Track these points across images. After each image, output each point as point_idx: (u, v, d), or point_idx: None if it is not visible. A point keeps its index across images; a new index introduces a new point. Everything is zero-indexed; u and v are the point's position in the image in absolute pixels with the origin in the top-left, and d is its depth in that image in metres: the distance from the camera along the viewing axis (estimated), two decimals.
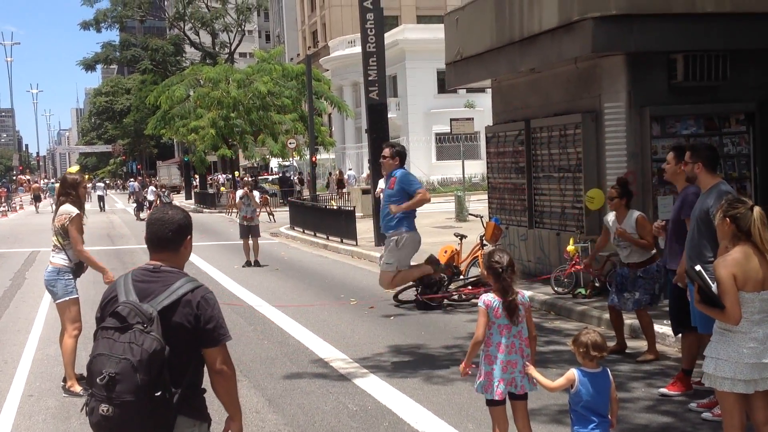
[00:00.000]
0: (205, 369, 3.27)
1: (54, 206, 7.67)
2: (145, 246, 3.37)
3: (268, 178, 45.30)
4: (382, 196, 18.19)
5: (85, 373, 5.14)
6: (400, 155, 7.95)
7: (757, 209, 4.35)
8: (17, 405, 6.80)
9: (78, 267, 7.21)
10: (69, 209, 7.11)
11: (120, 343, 2.96)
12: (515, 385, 4.62)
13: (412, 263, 8.38)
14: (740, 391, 4.32)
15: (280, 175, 44.41)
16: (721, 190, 5.80)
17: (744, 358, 4.28)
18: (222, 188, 46.07)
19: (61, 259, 7.14)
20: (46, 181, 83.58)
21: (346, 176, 41.80)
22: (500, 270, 4.63)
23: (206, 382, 3.28)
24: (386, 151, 7.96)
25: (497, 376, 4.60)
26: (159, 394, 2.96)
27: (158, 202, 31.36)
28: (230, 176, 43.23)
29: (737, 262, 4.29)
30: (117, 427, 2.96)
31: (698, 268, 4.45)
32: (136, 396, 2.91)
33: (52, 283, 7.13)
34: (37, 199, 46.90)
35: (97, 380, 2.94)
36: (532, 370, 4.56)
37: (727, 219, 4.38)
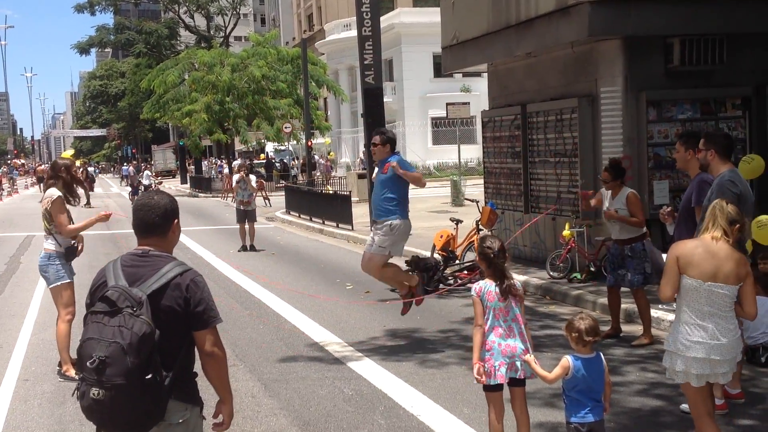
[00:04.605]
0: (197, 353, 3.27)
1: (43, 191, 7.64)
2: None
3: (263, 162, 45.21)
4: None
5: None
6: (391, 141, 7.93)
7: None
8: (12, 389, 6.80)
9: (69, 251, 7.17)
10: (51, 192, 7.10)
11: (109, 327, 2.96)
12: (516, 369, 4.63)
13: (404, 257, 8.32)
14: (693, 384, 4.36)
15: (265, 161, 44.29)
16: (723, 178, 5.56)
17: (690, 351, 4.32)
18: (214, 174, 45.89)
19: (50, 244, 7.13)
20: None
21: (315, 163, 41.91)
22: (492, 255, 4.66)
23: (198, 367, 3.28)
24: (377, 139, 7.94)
25: (497, 359, 4.60)
26: (150, 377, 2.95)
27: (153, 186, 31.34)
28: (221, 162, 43.08)
29: (686, 246, 4.41)
30: (108, 411, 2.96)
31: None
32: (126, 379, 2.90)
33: (45, 268, 7.14)
34: (41, 180, 46.83)
35: (87, 364, 2.93)
36: (532, 363, 4.56)
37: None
